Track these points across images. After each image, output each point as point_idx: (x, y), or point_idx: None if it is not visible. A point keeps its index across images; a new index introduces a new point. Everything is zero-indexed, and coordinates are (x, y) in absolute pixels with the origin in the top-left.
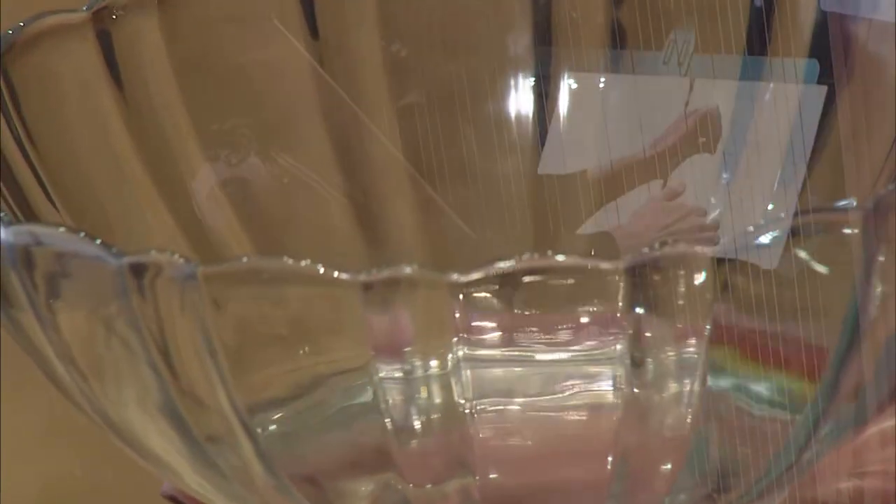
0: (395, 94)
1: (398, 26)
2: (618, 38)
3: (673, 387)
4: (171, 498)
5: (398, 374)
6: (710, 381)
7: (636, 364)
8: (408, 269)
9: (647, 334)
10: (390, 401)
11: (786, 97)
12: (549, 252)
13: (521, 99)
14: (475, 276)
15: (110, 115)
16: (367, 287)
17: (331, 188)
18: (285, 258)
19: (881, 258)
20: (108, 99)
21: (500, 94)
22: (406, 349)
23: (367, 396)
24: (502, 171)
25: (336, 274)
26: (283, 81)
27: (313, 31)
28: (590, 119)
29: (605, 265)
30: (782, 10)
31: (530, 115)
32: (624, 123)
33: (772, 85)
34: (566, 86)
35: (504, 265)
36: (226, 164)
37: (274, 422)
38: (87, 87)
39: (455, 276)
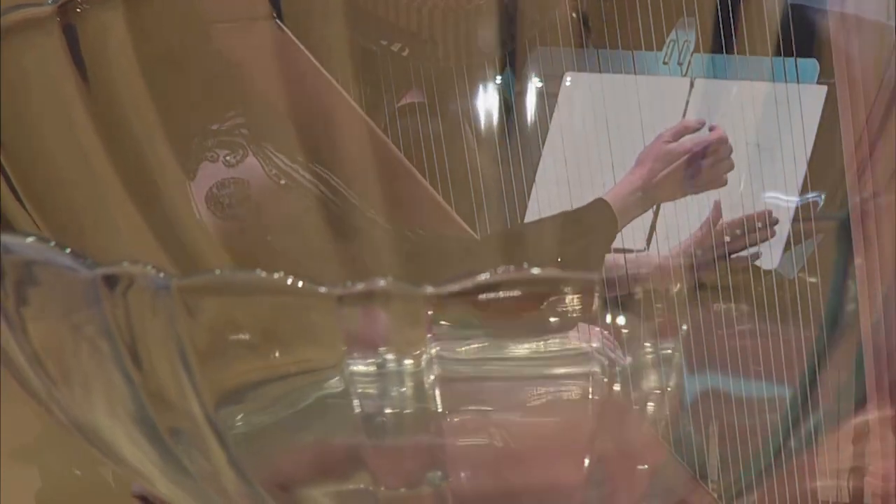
0: (362, 85)
1: (365, 16)
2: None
3: (651, 383)
4: (142, 498)
5: (371, 369)
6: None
7: (613, 361)
8: (382, 282)
9: (624, 331)
10: (362, 394)
11: (786, 97)
12: (525, 265)
13: (489, 93)
14: (450, 288)
15: (77, 110)
16: (342, 300)
17: (302, 181)
18: (258, 271)
19: (858, 261)
20: (75, 94)
21: (469, 89)
22: (381, 348)
23: (338, 389)
24: (473, 164)
25: (311, 287)
26: (251, 76)
27: (279, 20)
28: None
29: (579, 276)
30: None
31: (498, 109)
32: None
33: (771, 85)
34: (535, 83)
35: (480, 278)
36: (199, 160)
37: (242, 419)
38: (53, 82)
39: (430, 290)
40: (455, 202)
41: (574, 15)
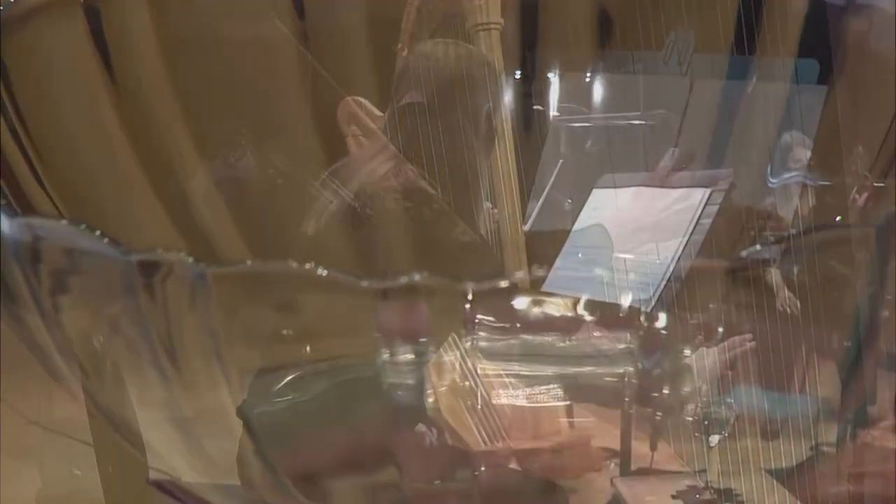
0: (383, 78)
1: (382, 19)
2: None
3: (686, 385)
4: (158, 485)
5: (407, 359)
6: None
7: (648, 363)
8: (417, 276)
9: (662, 333)
10: (395, 384)
11: (787, 97)
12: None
13: (489, 94)
14: (488, 286)
15: (100, 94)
16: (384, 294)
17: (300, 181)
18: (291, 261)
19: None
20: (98, 78)
21: (469, 90)
22: (419, 339)
23: (372, 379)
24: (473, 164)
25: (354, 280)
26: (273, 64)
27: (300, 11)
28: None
29: (615, 279)
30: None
31: (498, 110)
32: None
33: (771, 85)
34: (536, 84)
35: (517, 276)
36: (219, 154)
37: (273, 408)
38: (76, 67)
39: (468, 285)
40: (455, 202)
41: (576, 15)
